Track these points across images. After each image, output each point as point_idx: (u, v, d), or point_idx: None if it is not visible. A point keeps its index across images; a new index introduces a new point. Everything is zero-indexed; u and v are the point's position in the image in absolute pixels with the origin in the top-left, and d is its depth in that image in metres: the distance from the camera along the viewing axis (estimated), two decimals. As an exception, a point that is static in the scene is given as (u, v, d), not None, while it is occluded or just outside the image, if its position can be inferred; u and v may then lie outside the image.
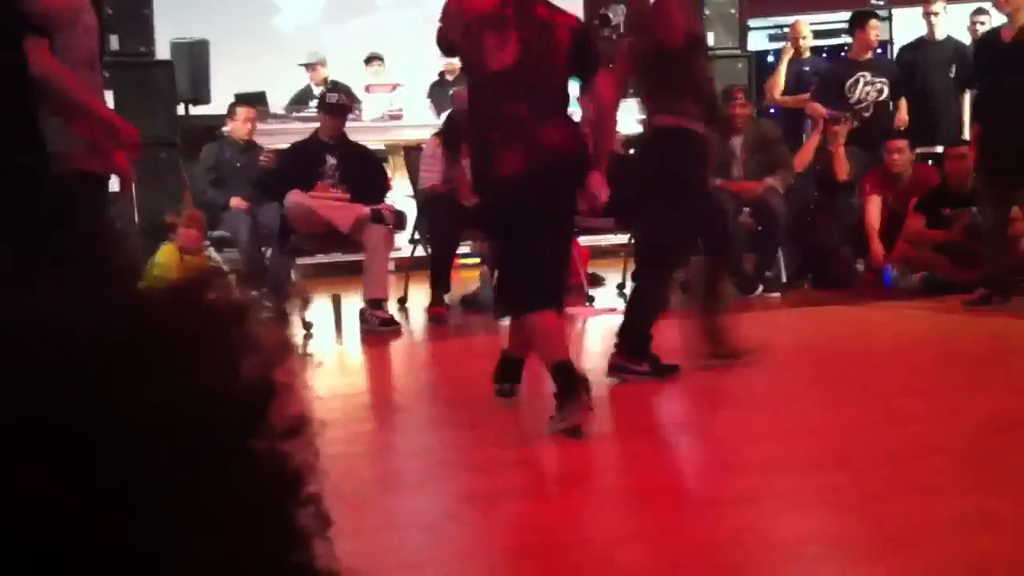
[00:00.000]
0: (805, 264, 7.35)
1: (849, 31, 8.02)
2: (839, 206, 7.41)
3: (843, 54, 7.95)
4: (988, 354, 4.88)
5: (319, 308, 6.57)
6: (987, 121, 6.03)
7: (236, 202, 6.89)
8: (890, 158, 6.96)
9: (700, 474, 3.40)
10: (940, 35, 8.08)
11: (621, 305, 6.89)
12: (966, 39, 8.12)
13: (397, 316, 6.34)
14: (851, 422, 3.70)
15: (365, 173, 6.48)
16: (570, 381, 3.58)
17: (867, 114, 7.50)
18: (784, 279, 7.14)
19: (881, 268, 7.02)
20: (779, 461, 3.27)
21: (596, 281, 7.61)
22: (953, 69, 7.85)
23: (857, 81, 7.50)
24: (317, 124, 6.72)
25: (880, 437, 3.50)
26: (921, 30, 8.27)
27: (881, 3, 11.09)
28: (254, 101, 8.08)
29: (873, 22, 7.75)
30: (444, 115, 7.58)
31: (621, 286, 7.30)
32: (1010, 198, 5.97)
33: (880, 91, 7.48)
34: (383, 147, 8.44)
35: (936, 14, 8.03)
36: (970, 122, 6.85)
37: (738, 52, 9.71)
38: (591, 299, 6.95)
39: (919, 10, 8.31)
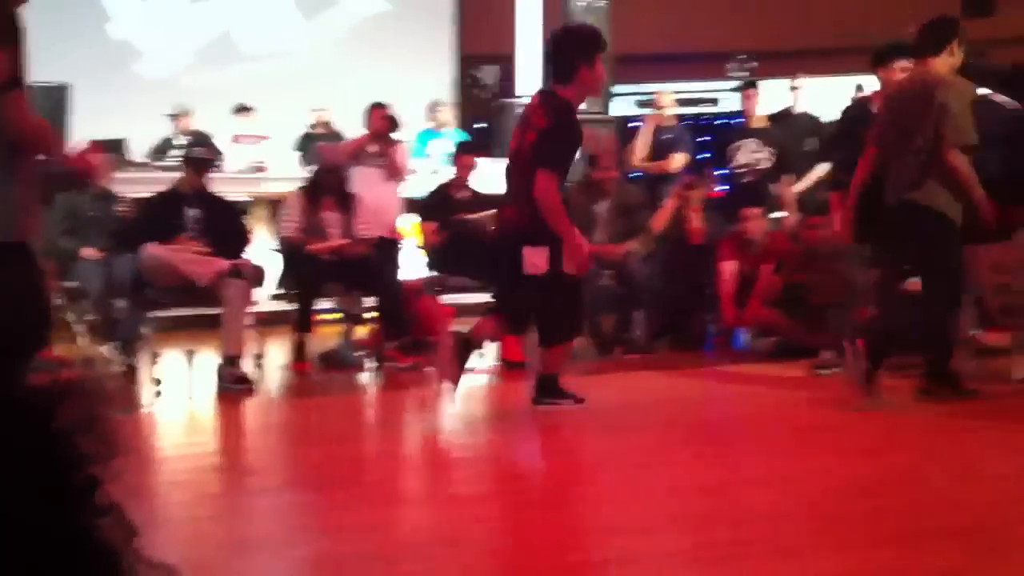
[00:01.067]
0: (663, 326, 7.49)
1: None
2: (696, 270, 7.57)
3: (741, 120, 8.22)
4: (835, 417, 5.03)
5: (171, 364, 6.40)
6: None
7: (88, 252, 6.69)
8: (744, 225, 7.16)
9: (567, 535, 3.39)
10: (799, 108, 8.44)
11: (481, 365, 6.91)
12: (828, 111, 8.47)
13: (254, 373, 6.20)
14: (705, 483, 3.75)
15: (226, 226, 6.37)
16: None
17: (745, 180, 7.72)
18: (643, 341, 7.25)
19: (733, 331, 7.20)
20: (647, 521, 3.29)
21: (459, 340, 7.59)
22: (808, 142, 8.17)
23: (740, 147, 7.74)
24: (179, 174, 6.60)
25: (745, 497, 3.56)
26: (787, 102, 8.62)
27: (742, 75, 11.52)
28: (111, 148, 7.89)
29: (750, 91, 8.02)
30: (311, 169, 7.54)
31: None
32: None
33: (762, 160, 7.72)
34: (247, 199, 8.32)
35: (798, 88, 8.38)
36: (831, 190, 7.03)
37: (604, 117, 9.94)
38: (453, 358, 6.92)
39: (786, 82, 8.65)
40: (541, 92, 5.24)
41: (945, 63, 5.15)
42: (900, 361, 5.91)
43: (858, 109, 6.65)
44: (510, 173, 5.15)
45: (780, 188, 7.71)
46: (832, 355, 6.35)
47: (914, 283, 6.56)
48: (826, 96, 8.72)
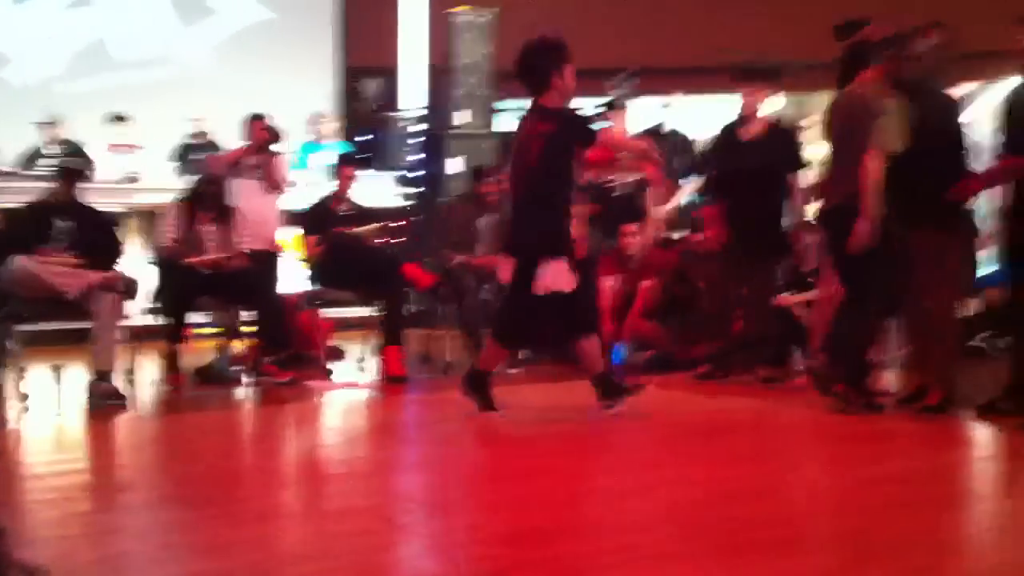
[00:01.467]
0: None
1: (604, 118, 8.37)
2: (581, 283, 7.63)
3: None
4: (713, 426, 5.13)
5: (40, 379, 6.19)
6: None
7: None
8: (623, 241, 7.26)
9: (441, 548, 3.37)
10: (670, 126, 8.60)
11: (362, 379, 6.86)
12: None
13: (125, 388, 6.04)
14: (592, 493, 3.78)
15: (97, 238, 6.19)
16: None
17: (615, 194, 7.82)
18: (522, 355, 7.28)
19: (612, 345, 7.28)
20: (521, 533, 3.30)
21: (336, 354, 7.53)
22: (676, 160, 8.32)
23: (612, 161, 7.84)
24: (49, 184, 6.39)
25: (618, 507, 3.60)
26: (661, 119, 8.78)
27: (622, 92, 11.69)
28: (-23, 157, 7.62)
29: (616, 111, 8.09)
30: (189, 179, 7.38)
31: (362, 359, 7.26)
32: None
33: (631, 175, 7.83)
34: (120, 210, 8.11)
35: (669, 106, 8.54)
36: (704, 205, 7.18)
37: (488, 132, 9.99)
38: (330, 372, 6.86)
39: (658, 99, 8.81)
40: (530, 109, 5.31)
41: (875, 75, 5.32)
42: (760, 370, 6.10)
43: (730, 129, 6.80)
44: (519, 195, 5.23)
45: (649, 202, 7.82)
46: (710, 367, 6.51)
47: (784, 298, 6.79)
48: (699, 114, 8.90)
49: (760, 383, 6.23)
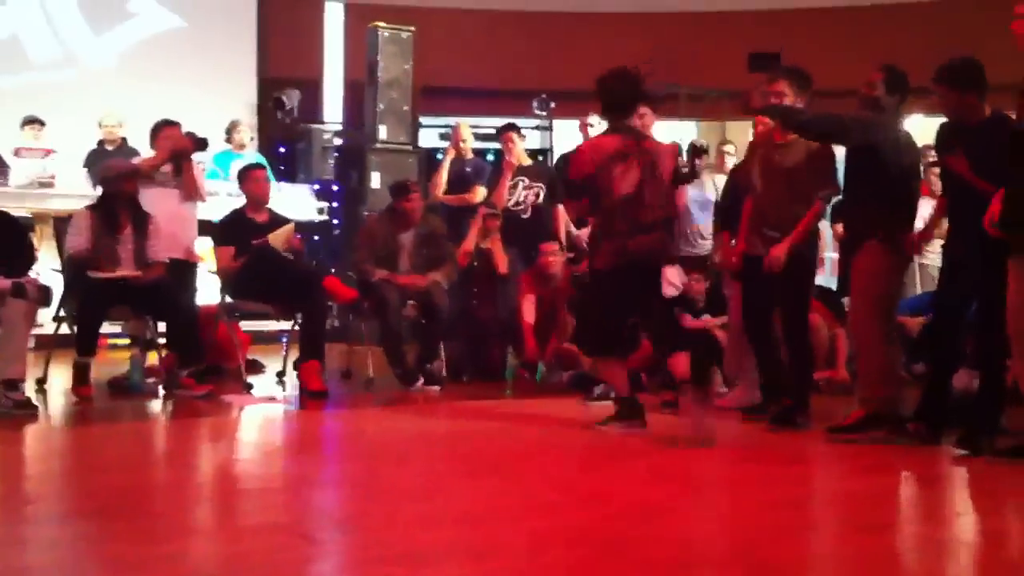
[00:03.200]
0: (465, 357, 7.54)
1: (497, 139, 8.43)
2: (499, 302, 7.66)
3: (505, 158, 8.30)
4: (630, 446, 5.17)
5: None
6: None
7: None
8: (544, 260, 7.29)
9: (353, 564, 3.34)
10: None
11: (280, 393, 6.78)
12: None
13: (35, 398, 5.88)
14: (502, 511, 3.78)
15: (7, 243, 6.03)
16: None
17: (525, 216, 7.86)
18: (444, 372, 7.27)
19: (535, 364, 7.32)
20: (433, 551, 3.28)
21: (255, 367, 7.43)
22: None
23: (516, 184, 7.87)
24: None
25: (528, 525, 3.59)
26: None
27: (544, 113, 11.79)
28: None
29: (510, 134, 8.13)
30: (100, 186, 7.22)
31: (281, 373, 7.17)
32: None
33: (538, 195, 7.88)
34: (30, 215, 7.92)
35: (592, 126, 8.57)
36: None
37: (410, 148, 9.99)
38: (248, 386, 6.76)
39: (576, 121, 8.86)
40: (627, 128, 5.54)
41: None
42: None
43: None
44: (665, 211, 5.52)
45: (555, 220, 7.87)
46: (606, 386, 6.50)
47: (706, 320, 6.90)
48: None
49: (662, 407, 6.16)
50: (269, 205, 7.20)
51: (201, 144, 7.14)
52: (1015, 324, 4.60)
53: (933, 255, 7.09)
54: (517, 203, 7.85)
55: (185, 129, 7.17)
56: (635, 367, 6.62)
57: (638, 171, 5.35)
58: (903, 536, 3.77)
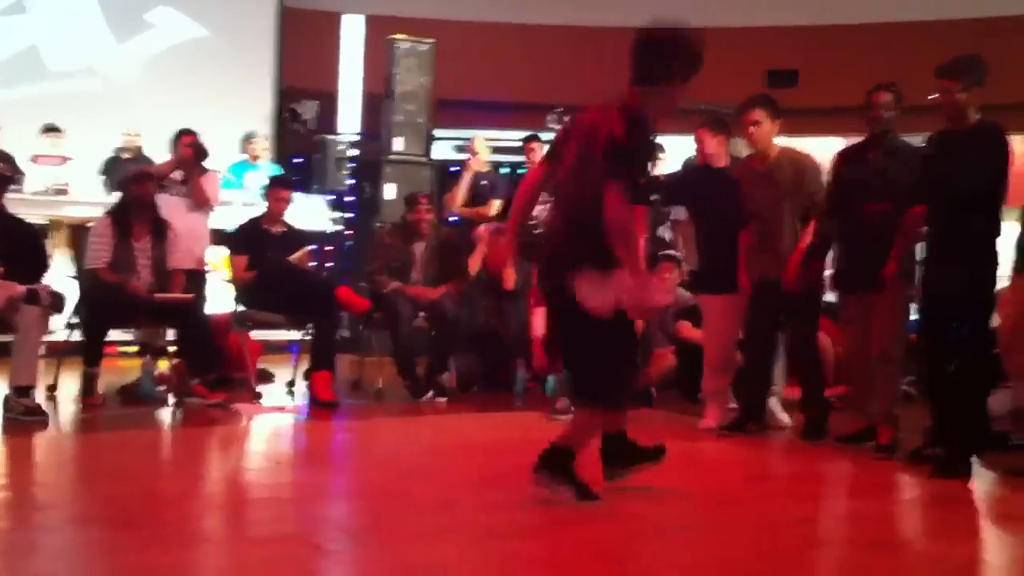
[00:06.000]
0: (476, 370, 7.52)
1: (520, 151, 8.41)
2: (508, 315, 7.63)
3: (521, 172, 8.30)
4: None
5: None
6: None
7: None
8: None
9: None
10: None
11: (290, 403, 6.77)
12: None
13: (45, 405, 5.88)
14: (514, 525, 3.75)
15: (22, 249, 6.04)
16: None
17: (538, 231, 7.81)
18: (454, 384, 7.25)
19: (544, 377, 7.27)
20: (444, 563, 3.26)
21: (265, 377, 7.43)
22: None
23: (532, 198, 7.82)
24: (-28, 192, 6.23)
25: (540, 539, 3.57)
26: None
27: (558, 127, 11.77)
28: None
29: (532, 144, 8.11)
30: (117, 194, 7.25)
31: (291, 383, 7.16)
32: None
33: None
34: (46, 222, 7.95)
35: None
36: None
37: (424, 160, 9.98)
38: (259, 395, 6.75)
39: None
40: None
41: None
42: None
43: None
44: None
45: None
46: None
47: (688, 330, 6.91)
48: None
49: None
50: (286, 217, 7.24)
51: (202, 153, 7.18)
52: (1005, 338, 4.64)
53: None
54: (534, 217, 7.81)
55: (201, 138, 7.22)
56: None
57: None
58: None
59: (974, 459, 4.86)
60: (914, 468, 4.96)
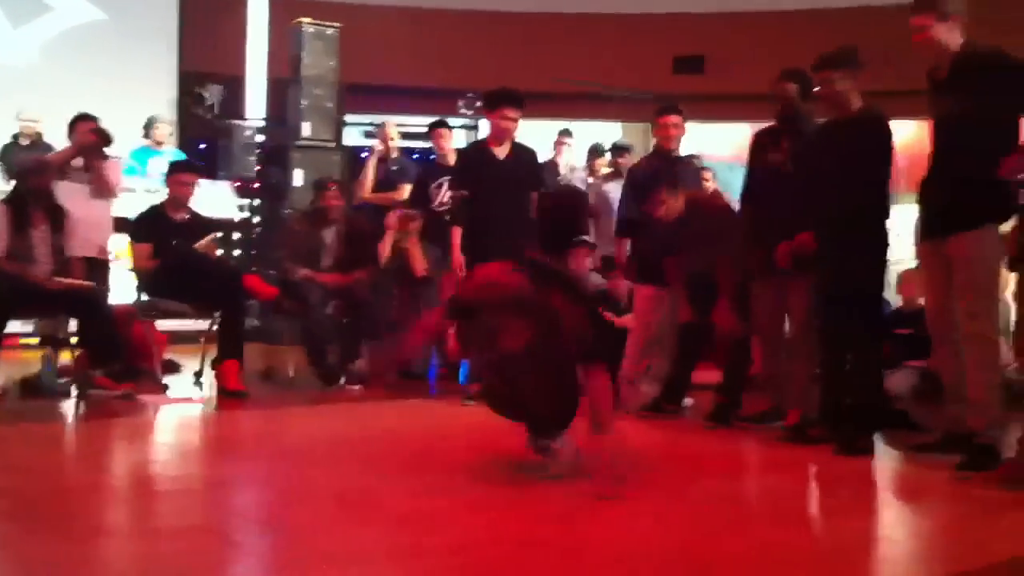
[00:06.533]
0: (387, 357, 7.48)
1: (427, 137, 8.36)
2: (419, 301, 7.61)
3: (431, 158, 8.24)
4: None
5: None
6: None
7: None
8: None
9: (284, 566, 3.28)
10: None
11: (197, 393, 6.66)
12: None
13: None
14: (426, 512, 3.75)
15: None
16: None
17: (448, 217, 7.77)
18: (367, 372, 7.20)
19: (457, 363, 7.27)
20: (355, 552, 3.24)
21: (172, 368, 7.29)
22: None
23: (441, 184, 7.79)
24: None
25: (456, 526, 3.57)
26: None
27: (470, 112, 11.76)
28: None
29: (440, 130, 8.08)
30: (13, 181, 7.03)
31: (198, 374, 7.04)
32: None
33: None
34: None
35: (568, 145, 8.51)
36: None
37: (333, 145, 9.88)
38: (165, 386, 6.63)
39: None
40: None
41: None
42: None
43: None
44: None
45: None
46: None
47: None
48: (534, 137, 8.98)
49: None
50: (191, 203, 7.09)
51: (106, 139, 6.97)
52: (931, 312, 4.76)
53: None
54: (441, 203, 7.77)
55: (103, 124, 7.02)
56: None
57: None
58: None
59: (875, 437, 5.00)
60: (803, 445, 5.08)
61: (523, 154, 6.62)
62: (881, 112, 5.10)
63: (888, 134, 5.03)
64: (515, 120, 6.47)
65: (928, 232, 4.81)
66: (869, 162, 5.00)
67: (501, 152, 6.54)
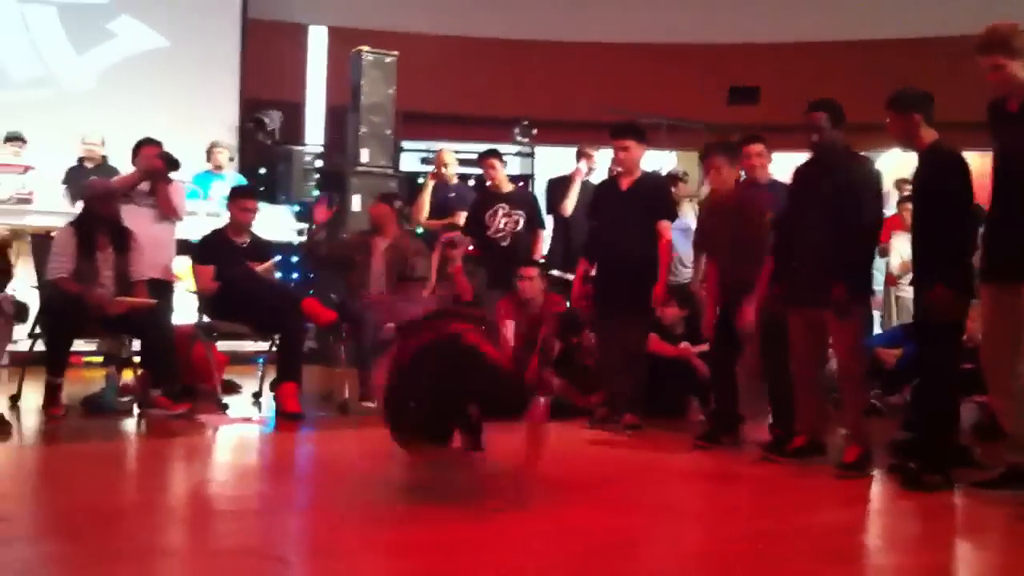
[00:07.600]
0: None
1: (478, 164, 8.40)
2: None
3: (487, 185, 8.29)
4: (607, 474, 5.15)
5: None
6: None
7: None
8: (521, 284, 7.22)
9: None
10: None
11: (256, 414, 6.74)
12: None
13: (8, 415, 5.82)
14: (470, 541, 3.75)
15: (-16, 259, 5.98)
16: None
17: (505, 244, 7.82)
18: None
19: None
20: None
21: (231, 388, 7.39)
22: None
23: (496, 212, 7.84)
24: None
25: (492, 555, 3.58)
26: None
27: (525, 140, 11.83)
28: None
29: (491, 160, 8.09)
30: (79, 204, 7.18)
31: (257, 395, 7.12)
32: None
33: (517, 222, 7.85)
34: (7, 232, 7.87)
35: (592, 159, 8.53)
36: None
37: (391, 171, 9.99)
38: (224, 407, 6.71)
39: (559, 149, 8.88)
40: None
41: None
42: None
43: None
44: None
45: (534, 245, 7.89)
46: (606, 411, 6.55)
47: (685, 347, 6.94)
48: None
49: (626, 430, 6.29)
50: (252, 227, 7.21)
51: (173, 164, 7.09)
52: (988, 355, 4.68)
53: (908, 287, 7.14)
54: (497, 230, 7.82)
55: (165, 148, 7.15)
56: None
57: None
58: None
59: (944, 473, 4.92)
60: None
61: (645, 184, 6.65)
62: (952, 147, 5.03)
63: (966, 169, 4.97)
64: (625, 150, 6.50)
65: (994, 275, 4.73)
66: (945, 197, 4.91)
67: (624, 183, 6.59)
